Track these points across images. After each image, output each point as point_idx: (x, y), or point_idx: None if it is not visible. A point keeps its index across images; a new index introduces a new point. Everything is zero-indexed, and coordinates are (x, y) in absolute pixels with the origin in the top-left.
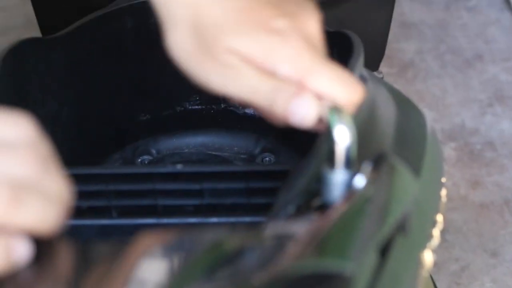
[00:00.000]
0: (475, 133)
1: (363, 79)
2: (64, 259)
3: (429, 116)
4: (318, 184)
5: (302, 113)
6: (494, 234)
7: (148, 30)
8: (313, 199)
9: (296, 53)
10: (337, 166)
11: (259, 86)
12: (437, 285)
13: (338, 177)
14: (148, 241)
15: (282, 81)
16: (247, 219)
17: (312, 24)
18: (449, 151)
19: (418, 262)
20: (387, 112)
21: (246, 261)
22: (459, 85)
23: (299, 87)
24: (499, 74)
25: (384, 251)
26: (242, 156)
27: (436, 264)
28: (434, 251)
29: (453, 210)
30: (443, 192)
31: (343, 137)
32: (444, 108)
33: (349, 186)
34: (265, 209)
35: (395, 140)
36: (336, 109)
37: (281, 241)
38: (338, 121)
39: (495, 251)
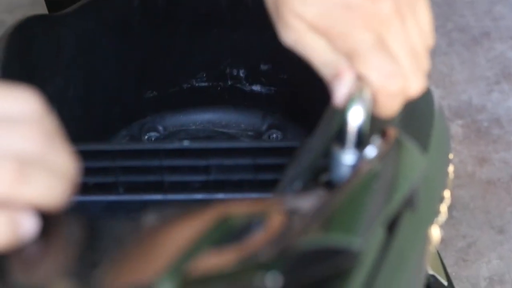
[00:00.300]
0: (482, 110)
1: None
2: (70, 234)
3: (436, 93)
4: (326, 160)
5: (339, 92)
6: (501, 210)
7: (155, 7)
8: (320, 175)
9: (353, 31)
10: (348, 146)
11: (317, 53)
12: (444, 261)
13: (347, 157)
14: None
15: (336, 55)
16: (254, 195)
17: (385, 4)
18: (456, 128)
19: (426, 238)
20: None
21: (253, 237)
22: (466, 63)
23: (347, 66)
24: (506, 51)
25: (392, 227)
26: (249, 133)
27: (443, 241)
28: (441, 227)
29: (460, 187)
30: (451, 168)
31: (356, 118)
32: (451, 86)
33: (357, 165)
34: (272, 186)
35: (402, 117)
36: (357, 88)
37: (288, 216)
38: (354, 102)
39: (502, 227)
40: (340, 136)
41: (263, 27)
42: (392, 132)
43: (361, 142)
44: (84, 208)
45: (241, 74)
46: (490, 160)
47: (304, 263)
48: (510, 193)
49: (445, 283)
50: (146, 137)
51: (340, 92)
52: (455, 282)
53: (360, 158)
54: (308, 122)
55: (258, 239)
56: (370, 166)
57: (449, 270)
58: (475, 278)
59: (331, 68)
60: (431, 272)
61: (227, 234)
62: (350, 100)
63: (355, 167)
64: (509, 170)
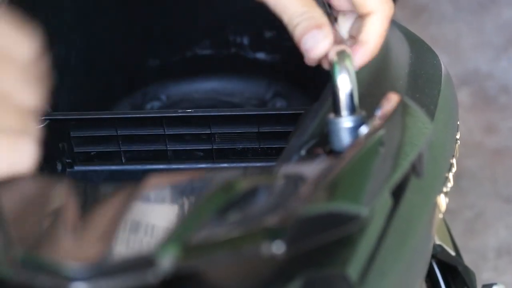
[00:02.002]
0: (489, 78)
1: None
2: (68, 199)
3: (443, 60)
4: (328, 128)
5: (312, 44)
6: (509, 180)
7: None
8: (324, 143)
9: None
10: (342, 114)
11: (292, 7)
12: (451, 232)
13: (343, 124)
14: (154, 183)
15: (313, 12)
16: (258, 164)
17: None
18: (463, 96)
19: (433, 206)
20: (401, 54)
21: (258, 203)
22: (473, 29)
23: (323, 22)
24: None
25: (398, 193)
26: (253, 101)
27: (450, 211)
28: (448, 197)
29: (467, 156)
30: (458, 135)
31: (345, 86)
32: (458, 53)
33: (356, 131)
34: (276, 154)
35: (408, 82)
36: (340, 57)
37: (293, 183)
38: (340, 70)
39: (509, 197)
40: (334, 105)
41: None
42: (396, 97)
43: (354, 108)
44: (87, 177)
45: (245, 42)
46: (497, 128)
47: (309, 230)
48: None
49: (453, 253)
50: (148, 106)
51: (315, 41)
52: (462, 253)
53: (358, 124)
54: (312, 90)
55: (262, 206)
56: (374, 131)
57: (456, 240)
58: (482, 249)
59: (306, 20)
60: (438, 242)
61: (231, 200)
62: (334, 69)
63: (354, 134)
64: None
